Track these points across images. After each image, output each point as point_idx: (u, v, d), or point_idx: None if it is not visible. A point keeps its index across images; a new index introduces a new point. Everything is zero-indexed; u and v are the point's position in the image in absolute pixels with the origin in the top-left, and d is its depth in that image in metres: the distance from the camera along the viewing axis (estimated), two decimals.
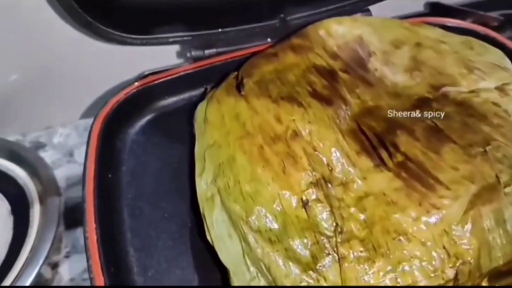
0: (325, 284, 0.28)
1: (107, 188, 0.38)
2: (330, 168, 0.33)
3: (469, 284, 0.29)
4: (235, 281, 0.30)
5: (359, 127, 0.36)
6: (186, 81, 0.45)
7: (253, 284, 0.29)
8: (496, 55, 0.42)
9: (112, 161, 0.40)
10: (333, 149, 0.34)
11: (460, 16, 0.57)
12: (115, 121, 0.41)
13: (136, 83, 0.43)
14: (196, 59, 0.47)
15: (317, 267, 0.29)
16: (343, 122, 0.36)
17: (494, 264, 0.29)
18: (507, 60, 0.42)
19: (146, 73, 0.47)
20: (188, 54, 0.47)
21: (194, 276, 0.34)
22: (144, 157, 0.41)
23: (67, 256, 0.44)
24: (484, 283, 0.30)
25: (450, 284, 0.28)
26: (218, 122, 0.37)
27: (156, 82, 0.44)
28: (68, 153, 0.53)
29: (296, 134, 0.35)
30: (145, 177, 0.40)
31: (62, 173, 0.50)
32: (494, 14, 0.59)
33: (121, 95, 0.42)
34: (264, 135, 0.35)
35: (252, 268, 0.30)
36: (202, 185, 0.34)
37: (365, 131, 0.35)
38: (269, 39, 0.48)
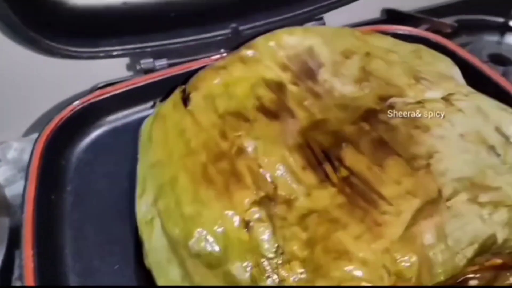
0: None
1: (49, 210, 0.36)
2: (274, 186, 0.32)
3: None
4: None
5: (306, 141, 0.35)
6: (136, 94, 0.44)
7: None
8: (445, 63, 0.42)
9: (56, 181, 0.39)
10: (278, 165, 0.33)
11: (415, 23, 0.58)
12: (60, 139, 0.40)
13: (82, 99, 0.42)
14: (146, 71, 0.45)
15: None
16: (290, 137, 0.35)
17: (434, 280, 0.29)
18: (456, 68, 0.42)
19: (100, 85, 0.46)
20: (138, 67, 0.46)
21: None
22: (91, 176, 0.40)
23: (20, 278, 0.43)
24: None
25: None
26: (162, 139, 0.36)
27: (104, 96, 0.43)
28: (22, 169, 0.51)
29: (241, 150, 0.34)
30: (91, 198, 0.38)
31: (17, 189, 0.49)
32: (449, 20, 0.60)
33: (66, 112, 0.41)
34: (209, 152, 0.34)
35: None
36: (142, 207, 0.33)
37: (311, 146, 0.35)
38: (222, 50, 0.47)
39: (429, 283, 0.29)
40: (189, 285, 0.29)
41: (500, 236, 0.30)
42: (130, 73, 0.49)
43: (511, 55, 0.57)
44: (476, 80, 0.43)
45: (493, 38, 0.61)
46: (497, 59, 0.57)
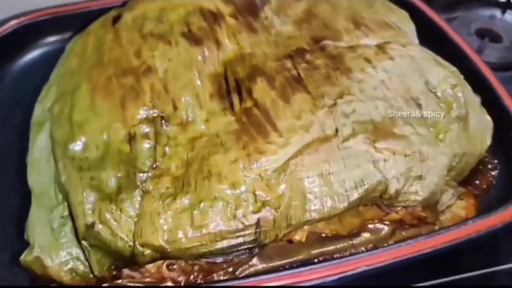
0: (122, 216, 0.27)
1: None
2: (175, 107, 0.32)
3: (273, 233, 0.27)
4: (34, 204, 0.29)
5: (225, 71, 0.34)
6: (85, 18, 0.44)
7: (55, 210, 0.29)
8: (398, 16, 0.39)
9: None
10: (184, 89, 0.32)
11: None
12: None
13: (23, 17, 0.42)
14: None
15: (118, 198, 0.27)
16: (209, 64, 0.34)
17: (308, 217, 0.27)
18: (410, 24, 0.39)
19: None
20: None
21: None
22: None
23: None
24: (297, 237, 0.28)
25: (251, 229, 0.27)
26: (80, 52, 0.36)
27: (47, 17, 0.43)
28: None
29: (149, 69, 0.33)
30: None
31: None
32: None
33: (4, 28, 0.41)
34: (117, 67, 0.33)
35: (59, 195, 0.29)
36: (39, 111, 0.33)
37: (227, 76, 0.33)
38: None
39: (300, 219, 0.27)
40: (57, 185, 0.29)
41: (393, 186, 0.28)
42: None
43: (503, 32, 0.53)
44: (439, 41, 0.41)
45: (487, 13, 0.57)
46: (485, 34, 0.53)
